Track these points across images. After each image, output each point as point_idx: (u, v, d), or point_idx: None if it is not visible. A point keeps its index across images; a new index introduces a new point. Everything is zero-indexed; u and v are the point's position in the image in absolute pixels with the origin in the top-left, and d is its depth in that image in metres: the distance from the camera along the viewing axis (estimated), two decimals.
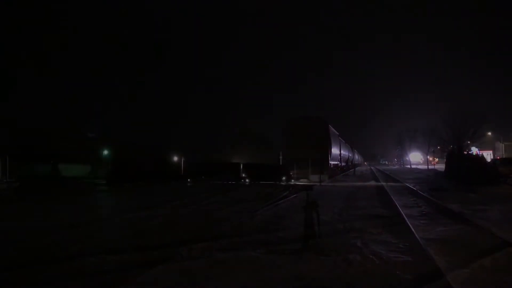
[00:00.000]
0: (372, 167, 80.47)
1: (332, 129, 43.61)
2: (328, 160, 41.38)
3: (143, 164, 44.85)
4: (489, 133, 62.70)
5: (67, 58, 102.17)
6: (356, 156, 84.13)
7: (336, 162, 50.06)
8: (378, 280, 5.18)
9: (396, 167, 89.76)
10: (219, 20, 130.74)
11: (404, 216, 10.90)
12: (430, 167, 69.00)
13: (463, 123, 50.04)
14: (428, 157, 76.85)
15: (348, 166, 66.78)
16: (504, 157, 54.08)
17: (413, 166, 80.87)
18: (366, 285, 5.04)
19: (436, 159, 76.23)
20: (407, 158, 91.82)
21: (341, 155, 53.07)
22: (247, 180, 53.27)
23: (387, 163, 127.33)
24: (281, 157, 74.14)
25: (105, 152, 59.29)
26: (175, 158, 50.50)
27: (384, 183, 27.69)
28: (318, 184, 31.66)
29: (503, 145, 69.57)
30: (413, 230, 8.59)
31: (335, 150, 46.11)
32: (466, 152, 43.58)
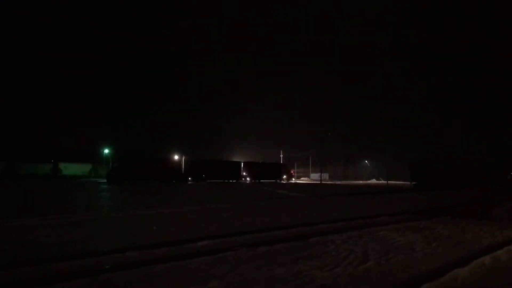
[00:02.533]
0: None
1: None
2: None
3: (144, 163, 44.81)
4: None
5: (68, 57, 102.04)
6: None
7: None
8: None
9: None
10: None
11: None
12: None
13: None
14: None
15: None
16: None
17: None
18: None
19: None
20: None
21: None
22: (247, 179, 53.29)
23: None
24: (282, 155, 74.21)
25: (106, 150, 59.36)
26: (176, 157, 50.48)
27: None
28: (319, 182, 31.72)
29: None
30: None
31: None
32: None
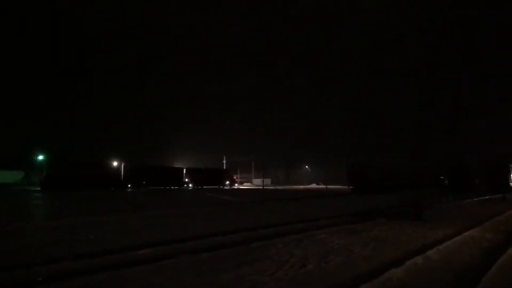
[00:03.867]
0: None
1: None
2: None
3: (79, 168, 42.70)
4: None
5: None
6: None
7: None
8: None
9: None
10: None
11: None
12: None
13: None
14: None
15: None
16: None
17: None
18: None
19: None
20: None
21: None
22: (190, 185, 52.50)
23: None
24: (224, 161, 74.03)
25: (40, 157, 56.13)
26: (114, 163, 48.62)
27: None
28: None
29: None
30: None
31: None
32: None
